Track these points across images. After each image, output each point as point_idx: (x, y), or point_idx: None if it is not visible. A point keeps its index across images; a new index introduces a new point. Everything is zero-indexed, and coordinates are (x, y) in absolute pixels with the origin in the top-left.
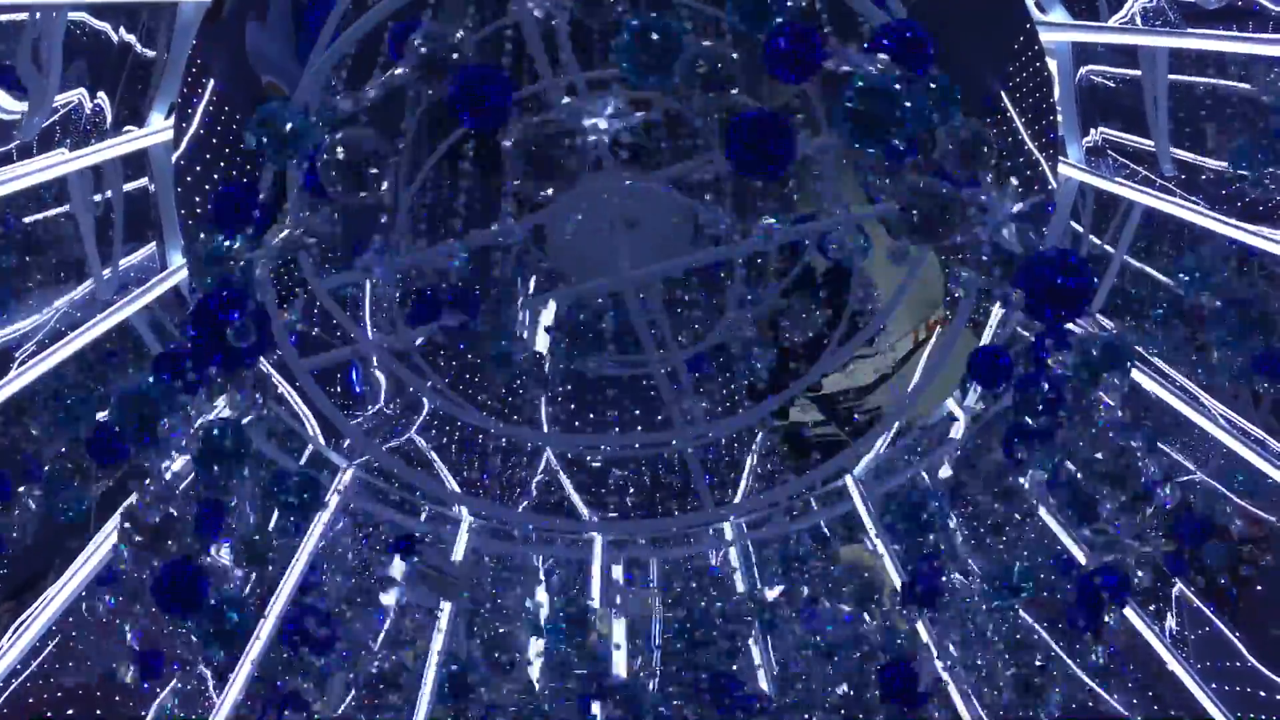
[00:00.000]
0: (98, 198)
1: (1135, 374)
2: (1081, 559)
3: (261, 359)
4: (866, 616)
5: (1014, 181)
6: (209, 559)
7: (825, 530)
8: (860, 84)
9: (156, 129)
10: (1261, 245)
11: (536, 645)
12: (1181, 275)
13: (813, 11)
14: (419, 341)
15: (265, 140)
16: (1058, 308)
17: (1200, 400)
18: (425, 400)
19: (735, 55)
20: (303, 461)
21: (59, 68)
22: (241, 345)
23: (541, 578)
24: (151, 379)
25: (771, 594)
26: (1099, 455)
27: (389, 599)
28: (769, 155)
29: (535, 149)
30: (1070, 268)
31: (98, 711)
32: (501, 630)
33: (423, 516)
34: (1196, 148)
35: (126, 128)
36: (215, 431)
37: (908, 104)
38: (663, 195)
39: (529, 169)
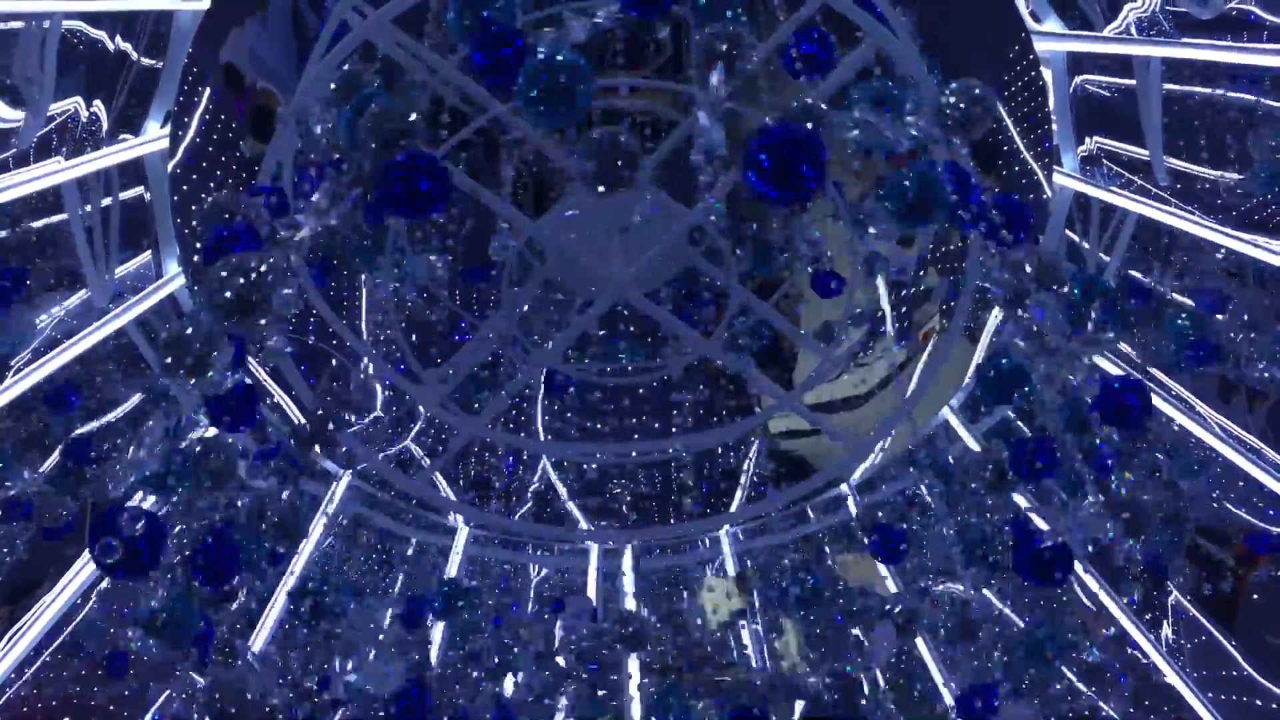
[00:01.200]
0: (90, 207)
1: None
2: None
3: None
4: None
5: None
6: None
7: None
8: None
9: (152, 137)
10: (1255, 254)
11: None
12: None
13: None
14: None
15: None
16: (785, 187)
17: (1196, 409)
18: (421, 409)
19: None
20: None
21: (53, 75)
22: (106, 562)
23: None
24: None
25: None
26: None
27: None
28: (420, 195)
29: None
30: (795, 142)
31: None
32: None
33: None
34: (1191, 157)
35: (122, 136)
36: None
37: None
38: (656, 200)
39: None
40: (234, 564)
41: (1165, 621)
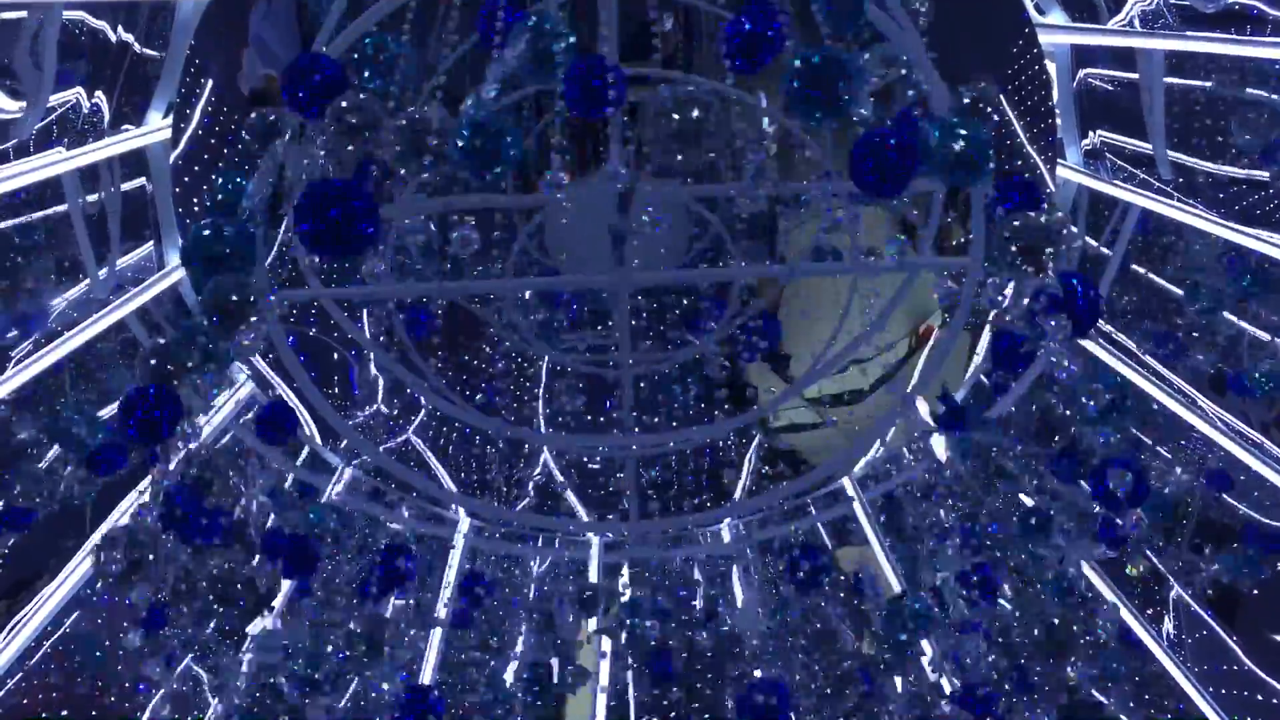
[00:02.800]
0: (94, 197)
1: (1133, 375)
2: None
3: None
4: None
5: None
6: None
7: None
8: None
9: (154, 128)
10: (1257, 247)
11: None
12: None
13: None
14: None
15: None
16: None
17: (1197, 403)
18: (423, 401)
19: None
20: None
21: (54, 66)
22: None
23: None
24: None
25: None
26: None
27: None
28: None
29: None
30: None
31: (92, 713)
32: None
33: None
34: (1194, 151)
35: (124, 127)
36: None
37: None
38: (662, 194)
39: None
40: None
41: (1166, 616)
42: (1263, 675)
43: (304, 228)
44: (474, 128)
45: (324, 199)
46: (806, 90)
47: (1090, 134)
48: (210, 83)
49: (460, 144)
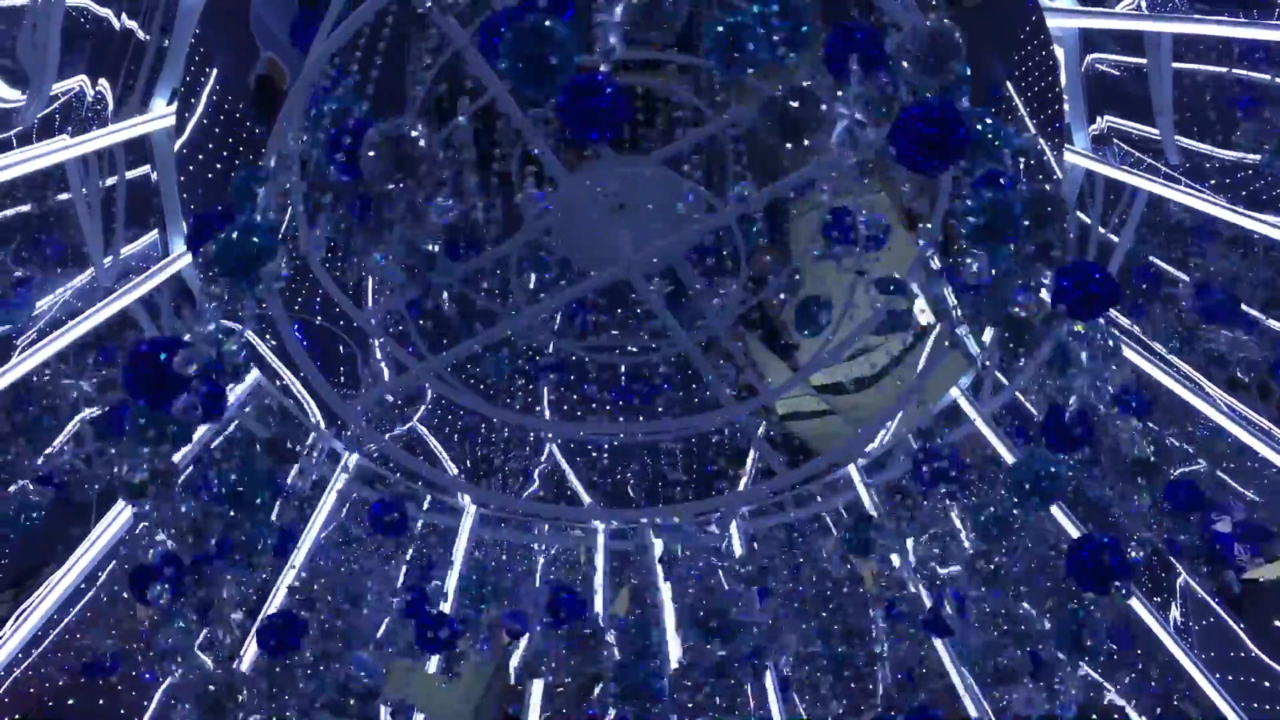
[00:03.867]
0: (100, 184)
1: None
2: None
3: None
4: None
5: None
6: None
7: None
8: None
9: (158, 115)
10: (1266, 232)
11: None
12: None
13: None
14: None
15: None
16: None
17: (1206, 390)
18: (428, 387)
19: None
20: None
21: (57, 53)
22: None
23: None
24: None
25: None
26: None
27: None
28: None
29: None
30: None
31: (99, 701)
32: None
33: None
34: (1202, 136)
35: (129, 114)
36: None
37: None
38: (661, 177)
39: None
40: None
41: (1174, 603)
42: (1269, 662)
43: (128, 379)
44: (225, 244)
45: (141, 358)
46: (520, 62)
47: (1098, 119)
48: (215, 70)
49: (217, 259)
